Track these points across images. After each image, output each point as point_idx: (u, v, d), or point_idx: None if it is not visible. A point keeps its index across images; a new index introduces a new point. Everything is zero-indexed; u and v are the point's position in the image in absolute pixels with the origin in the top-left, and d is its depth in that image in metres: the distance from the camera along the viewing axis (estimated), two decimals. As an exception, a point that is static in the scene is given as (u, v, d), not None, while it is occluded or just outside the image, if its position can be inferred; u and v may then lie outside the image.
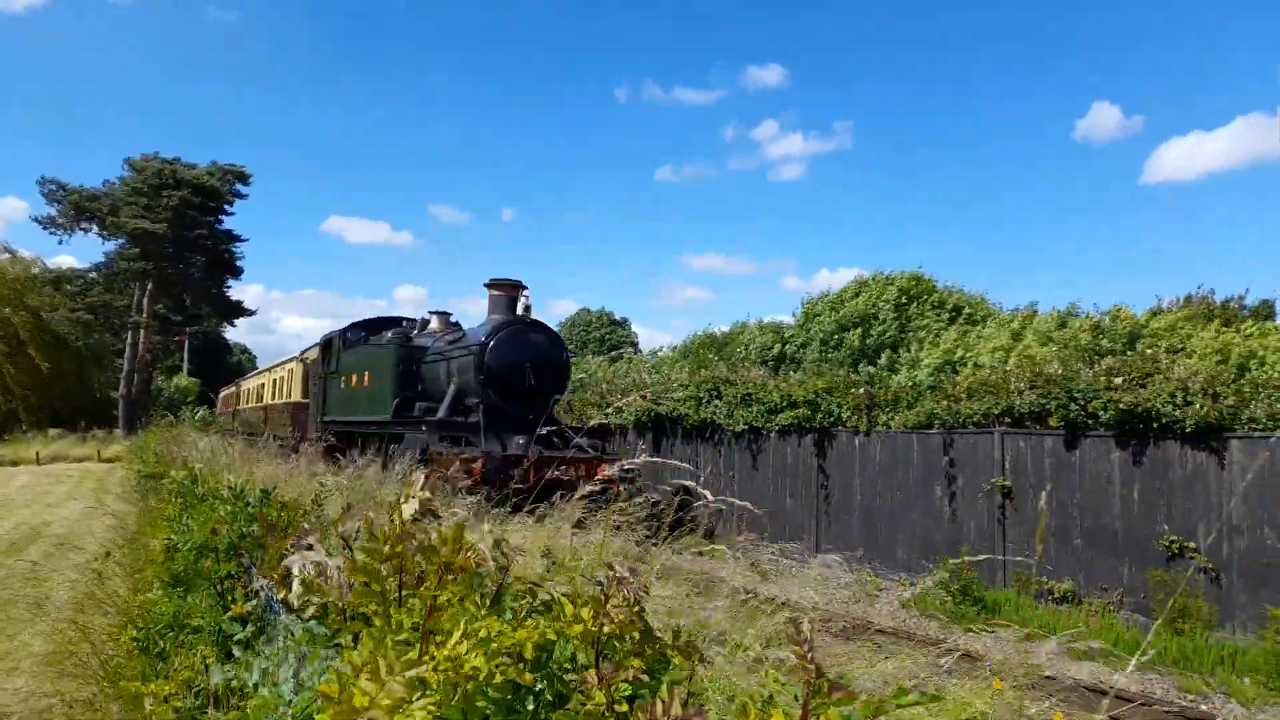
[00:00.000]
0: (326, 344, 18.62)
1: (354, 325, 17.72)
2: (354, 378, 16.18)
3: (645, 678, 2.00)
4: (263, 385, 30.41)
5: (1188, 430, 8.57)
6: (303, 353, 23.29)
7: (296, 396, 22.88)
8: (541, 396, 12.60)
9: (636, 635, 2.15)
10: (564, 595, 2.25)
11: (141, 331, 42.26)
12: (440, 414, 12.66)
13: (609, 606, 2.18)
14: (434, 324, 16.25)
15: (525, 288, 13.96)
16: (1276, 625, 7.59)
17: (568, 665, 2.16)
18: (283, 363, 26.55)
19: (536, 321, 13.56)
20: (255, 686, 1.82)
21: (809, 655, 1.84)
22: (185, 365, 56.00)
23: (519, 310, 13.59)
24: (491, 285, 13.89)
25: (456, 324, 15.89)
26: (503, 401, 12.41)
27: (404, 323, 17.30)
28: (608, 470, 11.56)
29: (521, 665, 2.11)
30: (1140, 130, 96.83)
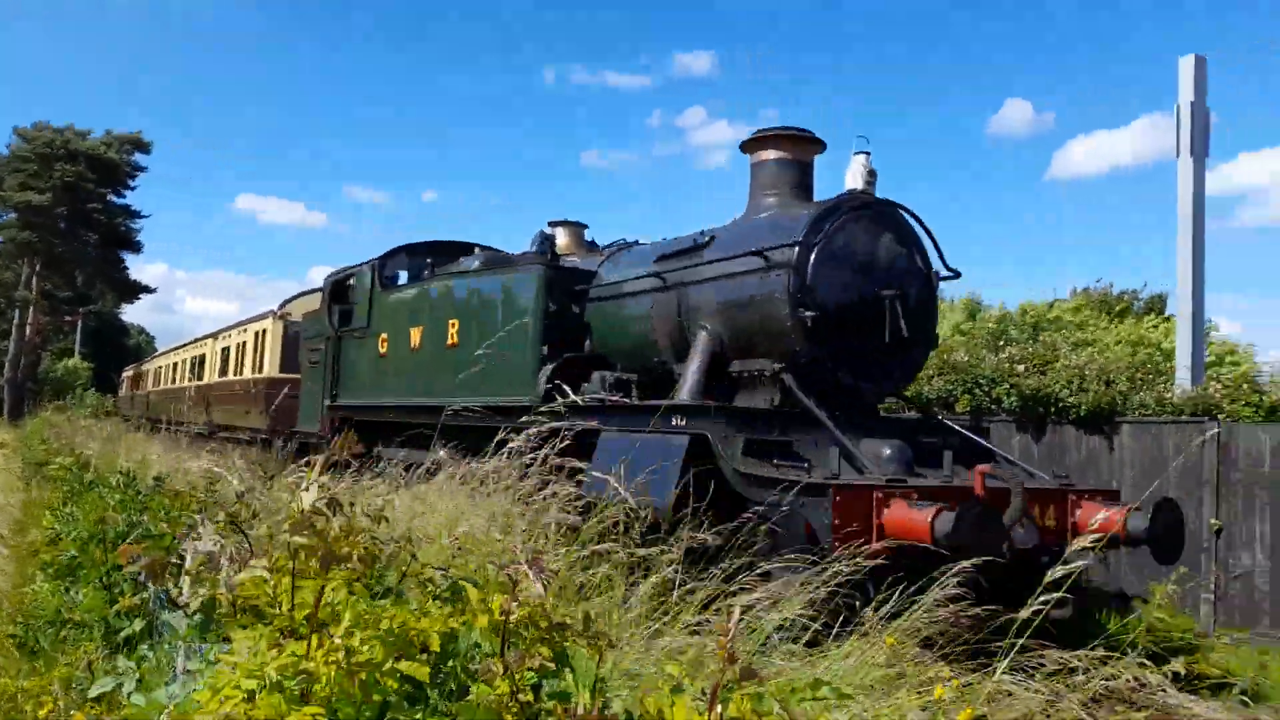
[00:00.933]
0: (339, 286, 11.75)
1: (396, 252, 11.26)
2: (416, 334, 9.57)
3: (552, 666, 1.95)
4: (200, 359, 23.22)
5: (1083, 414, 8.96)
6: (281, 306, 17.01)
7: (270, 370, 16.41)
8: (901, 357, 6.43)
9: (545, 623, 2.10)
10: (470, 582, 2.18)
11: (30, 310, 39.96)
12: (684, 392, 6.22)
13: (517, 592, 2.12)
14: (562, 241, 9.59)
15: (823, 144, 7.10)
16: (1155, 600, 8.01)
17: (472, 654, 2.10)
18: (239, 325, 19.64)
19: (888, 203, 6.62)
20: (129, 694, 1.70)
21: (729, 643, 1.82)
22: (78, 347, 53.24)
23: (854, 183, 6.61)
24: (760, 140, 6.95)
25: (594, 244, 9.65)
26: (839, 367, 6.06)
27: (477, 249, 10.74)
28: (1109, 514, 5.02)
29: (425, 655, 2.03)
30: (1051, 127, 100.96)
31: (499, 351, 7.75)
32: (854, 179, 6.68)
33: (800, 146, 6.98)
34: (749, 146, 7.08)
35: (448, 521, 4.28)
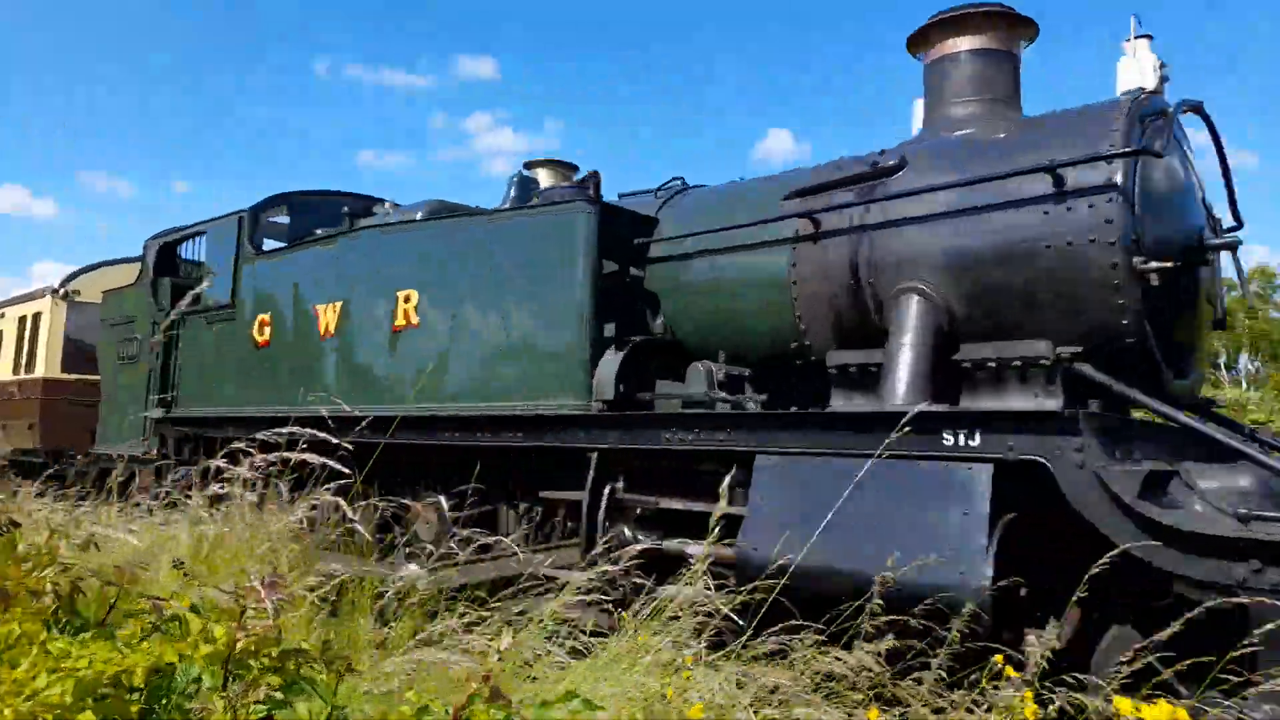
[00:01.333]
0: (170, 251, 9.15)
1: (274, 201, 8.36)
2: (329, 313, 6.88)
3: (280, 695, 1.82)
4: None
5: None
6: (65, 282, 12.87)
7: (46, 369, 12.62)
8: (1202, 334, 4.41)
9: (275, 650, 1.96)
10: (190, 611, 1.99)
11: None
12: (899, 394, 3.84)
13: (245, 620, 1.97)
14: (546, 182, 7.16)
15: (1035, 26, 4.56)
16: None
17: (192, 689, 1.93)
18: None
19: (1200, 111, 4.18)
20: None
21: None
22: None
23: (1140, 81, 4.23)
24: (945, 24, 4.48)
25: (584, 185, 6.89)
26: (1165, 354, 3.78)
27: (389, 204, 8.19)
28: None
29: (132, 695, 1.84)
30: (810, 154, 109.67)
31: (520, 333, 5.41)
32: (1139, 73, 4.37)
33: (1007, 30, 4.54)
34: (925, 36, 4.68)
35: (190, 548, 3.92)
